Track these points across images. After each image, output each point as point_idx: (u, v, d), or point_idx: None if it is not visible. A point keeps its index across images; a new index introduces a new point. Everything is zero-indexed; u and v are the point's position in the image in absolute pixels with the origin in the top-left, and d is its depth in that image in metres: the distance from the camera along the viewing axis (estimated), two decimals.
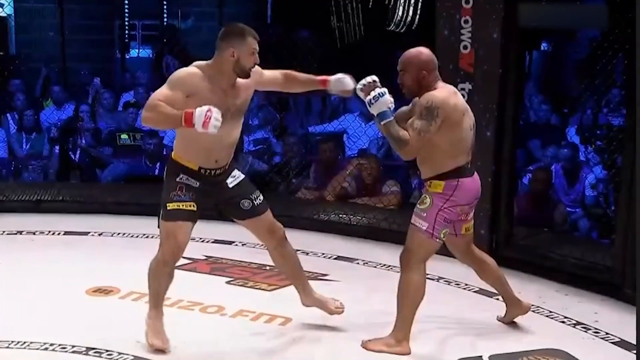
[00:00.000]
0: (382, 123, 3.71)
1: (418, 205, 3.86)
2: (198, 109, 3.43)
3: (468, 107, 3.87)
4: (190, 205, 3.73)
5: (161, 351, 3.78)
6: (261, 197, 3.94)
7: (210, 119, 3.40)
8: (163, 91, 3.60)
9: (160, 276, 3.82)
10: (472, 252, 4.10)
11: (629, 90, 4.93)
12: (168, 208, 3.73)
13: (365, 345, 3.91)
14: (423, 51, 3.86)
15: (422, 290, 3.84)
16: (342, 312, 4.18)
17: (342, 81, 3.97)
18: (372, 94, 3.70)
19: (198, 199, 3.75)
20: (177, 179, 3.74)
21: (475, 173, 3.92)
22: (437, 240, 3.85)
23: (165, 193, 3.77)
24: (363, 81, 3.84)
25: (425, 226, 3.81)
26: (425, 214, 3.81)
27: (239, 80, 3.71)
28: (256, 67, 3.78)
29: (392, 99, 3.73)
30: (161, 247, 3.78)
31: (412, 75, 3.79)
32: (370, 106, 3.71)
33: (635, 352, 4.04)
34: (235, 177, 3.88)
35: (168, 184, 3.77)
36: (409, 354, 3.84)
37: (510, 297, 4.23)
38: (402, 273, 3.85)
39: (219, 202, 3.89)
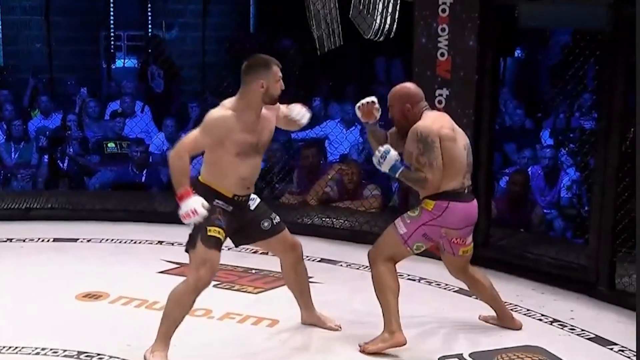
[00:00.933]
0: (396, 176, 3.78)
1: (408, 212, 3.90)
2: (193, 200, 3.49)
3: (459, 128, 3.88)
4: (223, 234, 3.71)
5: None
6: (278, 217, 3.95)
7: (189, 217, 3.50)
8: (196, 136, 3.60)
9: (186, 304, 3.68)
10: (467, 271, 4.11)
11: (600, 94, 4.97)
12: (209, 233, 3.65)
13: (364, 349, 3.85)
14: (406, 85, 3.92)
15: (394, 278, 3.85)
16: (339, 329, 4.17)
17: (290, 115, 3.89)
18: (377, 154, 3.75)
19: (229, 226, 3.75)
20: (214, 203, 3.68)
21: (475, 200, 3.92)
22: (408, 248, 3.85)
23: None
24: (363, 101, 3.90)
25: (403, 231, 3.83)
26: (409, 221, 3.83)
27: (263, 112, 3.73)
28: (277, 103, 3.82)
29: (396, 153, 3.76)
30: (195, 272, 3.65)
31: (397, 109, 3.85)
32: (380, 166, 3.77)
33: (609, 347, 4.09)
34: (254, 199, 3.90)
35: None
36: (405, 342, 3.82)
37: (505, 314, 4.23)
38: (372, 269, 3.89)
39: (241, 224, 3.83)
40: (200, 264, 3.65)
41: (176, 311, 3.67)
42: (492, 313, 4.25)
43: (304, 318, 4.20)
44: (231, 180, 3.70)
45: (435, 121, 3.79)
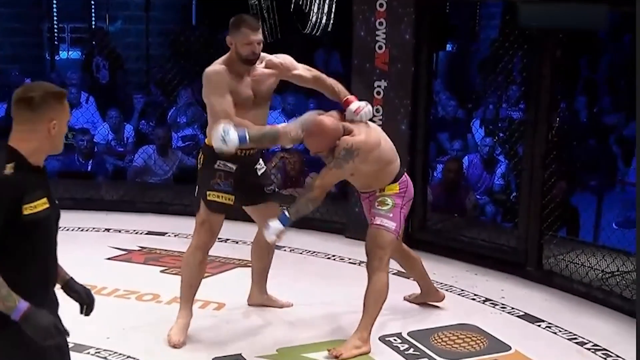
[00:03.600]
0: (289, 216, 3.62)
1: (379, 208, 3.74)
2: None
3: (374, 129, 3.75)
4: (229, 199, 3.72)
5: (177, 346, 3.73)
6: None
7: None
8: (221, 103, 3.55)
9: (193, 264, 3.77)
10: (402, 249, 4.12)
11: (528, 86, 5.06)
12: (208, 198, 3.71)
13: (336, 353, 3.68)
14: (322, 125, 3.60)
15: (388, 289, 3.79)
16: (292, 305, 4.23)
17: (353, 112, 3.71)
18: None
19: (236, 188, 3.73)
20: (216, 166, 3.69)
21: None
22: (399, 238, 3.82)
23: (204, 180, 3.72)
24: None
25: (394, 226, 3.73)
26: (391, 215, 3.73)
27: (260, 69, 3.70)
28: (289, 59, 3.78)
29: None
30: (196, 233, 3.78)
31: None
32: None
33: (537, 324, 4.18)
34: (262, 166, 3.91)
35: (206, 171, 3.71)
36: (370, 352, 3.74)
37: (430, 289, 4.29)
38: (376, 273, 3.70)
39: (249, 186, 3.82)
40: (199, 225, 3.77)
41: (186, 272, 3.80)
42: (415, 292, 4.31)
43: (253, 298, 4.19)
44: None
45: (369, 136, 3.65)
